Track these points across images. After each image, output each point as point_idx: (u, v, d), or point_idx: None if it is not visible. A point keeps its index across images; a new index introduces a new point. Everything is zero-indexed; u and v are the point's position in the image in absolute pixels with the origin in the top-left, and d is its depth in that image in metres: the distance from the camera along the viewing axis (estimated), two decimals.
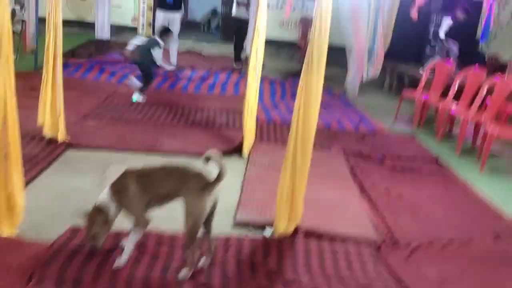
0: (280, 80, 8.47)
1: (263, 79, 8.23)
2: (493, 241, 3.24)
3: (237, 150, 4.68)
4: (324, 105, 4.74)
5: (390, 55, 9.06)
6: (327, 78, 9.13)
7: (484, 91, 5.56)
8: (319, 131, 5.68)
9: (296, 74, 9.30)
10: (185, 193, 2.51)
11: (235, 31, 9.15)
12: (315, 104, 2.92)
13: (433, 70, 6.67)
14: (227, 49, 10.75)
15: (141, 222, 2.55)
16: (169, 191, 2.55)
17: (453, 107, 5.80)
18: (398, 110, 6.72)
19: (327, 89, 8.28)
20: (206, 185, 2.51)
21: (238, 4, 8.87)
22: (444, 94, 6.20)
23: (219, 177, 2.52)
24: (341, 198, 3.78)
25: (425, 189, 4.20)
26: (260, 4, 4.23)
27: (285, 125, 5.77)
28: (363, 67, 7.31)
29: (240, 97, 6.97)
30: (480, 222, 3.59)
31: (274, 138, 5.31)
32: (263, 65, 4.47)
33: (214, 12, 13.96)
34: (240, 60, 9.09)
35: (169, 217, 2.92)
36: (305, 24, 10.87)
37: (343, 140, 5.45)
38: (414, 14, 7.22)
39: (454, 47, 8.17)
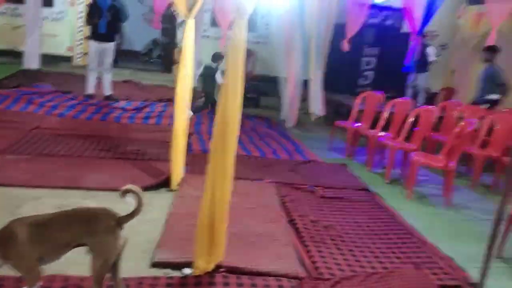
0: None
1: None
2: (415, 270, 3.26)
3: (167, 183, 4.54)
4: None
5: (326, 86, 9.32)
6: (266, 108, 9.18)
7: (410, 120, 5.77)
8: (253, 161, 5.72)
9: None
10: (92, 235, 2.34)
11: None
12: (232, 135, 2.86)
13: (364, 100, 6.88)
14: (168, 79, 10.64)
15: (31, 278, 2.27)
16: (70, 238, 2.33)
17: (382, 135, 5.96)
18: (332, 139, 6.83)
19: (265, 119, 8.40)
20: (118, 221, 2.38)
21: None
22: (376, 123, 6.39)
23: (135, 211, 2.41)
24: (268, 231, 3.70)
25: (353, 218, 4.21)
26: (186, 32, 4.17)
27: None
28: (296, 96, 7.41)
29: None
30: (405, 251, 3.62)
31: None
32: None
33: (155, 41, 13.86)
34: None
35: (76, 259, 2.72)
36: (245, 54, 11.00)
37: (277, 169, 5.44)
38: (345, 46, 7.48)
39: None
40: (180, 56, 4.21)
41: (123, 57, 11.67)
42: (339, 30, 8.32)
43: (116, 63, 8.40)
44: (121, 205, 2.45)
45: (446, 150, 5.20)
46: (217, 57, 8.18)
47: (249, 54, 11.16)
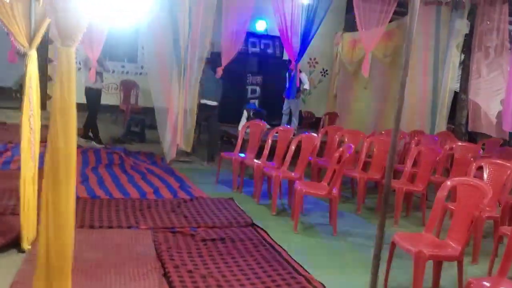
0: (97, 148, 7.73)
1: None
2: None
3: (18, 242, 3.82)
4: None
5: None
6: (152, 142, 8.53)
7: (292, 148, 5.64)
8: (129, 204, 5.16)
9: (118, 140, 8.67)
10: None
11: (89, 103, 8.06)
12: (66, 181, 2.36)
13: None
14: (42, 116, 9.62)
15: None
16: None
17: (267, 165, 5.76)
18: (218, 172, 6.51)
19: (148, 155, 7.84)
20: None
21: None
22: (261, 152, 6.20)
23: None
24: None
25: (235, 261, 3.85)
26: (29, 66, 3.58)
27: (91, 200, 5.09)
28: (177, 129, 7.01)
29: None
30: None
31: None
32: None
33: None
34: (97, 136, 8.23)
35: None
36: (127, 87, 10.43)
37: (157, 211, 4.94)
38: (219, 73, 7.29)
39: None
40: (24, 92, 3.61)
41: None
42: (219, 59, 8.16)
43: None
44: None
45: (329, 176, 5.12)
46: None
47: (132, 85, 10.60)
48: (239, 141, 6.49)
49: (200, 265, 3.70)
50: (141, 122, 9.54)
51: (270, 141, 6.13)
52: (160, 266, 3.64)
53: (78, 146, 7.57)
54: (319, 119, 10.64)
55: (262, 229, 4.68)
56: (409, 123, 8.35)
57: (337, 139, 6.66)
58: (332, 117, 10.27)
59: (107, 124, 10.23)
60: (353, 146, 4.89)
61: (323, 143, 7.11)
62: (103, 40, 6.56)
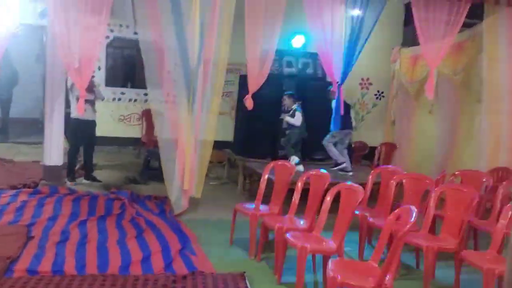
0: (102, 193, 6.41)
1: (64, 196, 6.24)
2: None
3: None
4: None
5: (242, 150, 7.64)
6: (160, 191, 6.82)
7: (328, 202, 4.01)
8: (98, 285, 3.69)
9: (133, 180, 7.37)
10: None
11: (76, 136, 6.95)
12: None
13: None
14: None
15: None
16: None
17: (292, 226, 4.15)
18: (233, 230, 4.96)
19: (160, 201, 6.43)
20: None
21: (78, 100, 5.88)
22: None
23: None
24: None
25: None
26: None
27: (48, 279, 3.71)
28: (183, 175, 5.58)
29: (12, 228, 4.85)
30: None
31: None
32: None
33: None
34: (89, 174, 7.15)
35: None
36: (150, 117, 9.22)
37: None
38: (248, 103, 5.82)
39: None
40: None
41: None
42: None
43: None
44: None
45: (380, 249, 3.44)
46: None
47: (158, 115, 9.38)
48: (261, 189, 4.91)
49: None
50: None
51: (300, 189, 4.55)
52: None
53: (71, 192, 6.35)
54: (373, 149, 8.86)
55: None
56: (491, 160, 6.45)
57: (394, 184, 4.92)
58: (389, 148, 8.48)
59: (131, 159, 9.05)
60: (415, 210, 3.17)
61: (376, 184, 5.40)
62: (93, 63, 5.32)
